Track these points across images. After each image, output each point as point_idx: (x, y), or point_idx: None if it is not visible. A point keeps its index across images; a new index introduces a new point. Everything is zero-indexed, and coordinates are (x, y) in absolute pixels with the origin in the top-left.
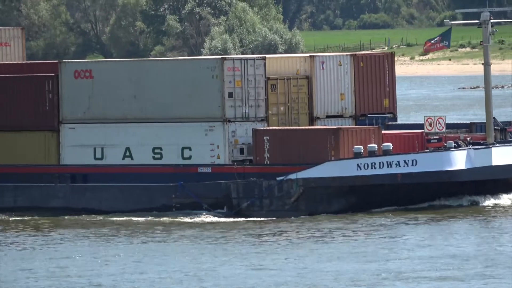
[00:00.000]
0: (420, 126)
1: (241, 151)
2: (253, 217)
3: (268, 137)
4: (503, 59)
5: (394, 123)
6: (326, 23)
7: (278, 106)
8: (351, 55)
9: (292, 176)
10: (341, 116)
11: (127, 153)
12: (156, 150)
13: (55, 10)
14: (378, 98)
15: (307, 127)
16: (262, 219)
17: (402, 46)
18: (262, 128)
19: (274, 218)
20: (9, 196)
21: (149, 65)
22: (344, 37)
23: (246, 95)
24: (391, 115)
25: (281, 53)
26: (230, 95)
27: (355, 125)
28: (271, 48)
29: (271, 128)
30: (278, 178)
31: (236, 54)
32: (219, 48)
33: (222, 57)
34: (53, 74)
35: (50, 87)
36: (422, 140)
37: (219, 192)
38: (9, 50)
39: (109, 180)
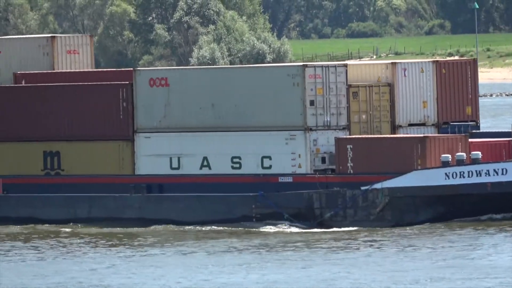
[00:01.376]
0: (506, 134)
1: (323, 160)
2: (336, 227)
3: (351, 146)
4: (491, 68)
5: (478, 131)
6: (315, 32)
7: (360, 114)
8: (433, 61)
9: (378, 186)
10: (423, 124)
11: (205, 163)
12: (234, 160)
13: (43, 20)
14: (460, 106)
15: (392, 136)
16: (346, 229)
17: (390, 55)
18: (345, 136)
19: (356, 228)
20: (83, 207)
21: (227, 72)
22: (332, 45)
23: (328, 103)
24: (474, 123)
25: (269, 62)
26: (312, 103)
27: (438, 133)
28: (259, 57)
29: (354, 136)
30: (363, 188)
31: (224, 64)
32: (207, 57)
33: (304, 65)
34: (128, 83)
35: (124, 96)
36: (509, 148)
37: (301, 202)
38: (78, 58)
39: (186, 190)
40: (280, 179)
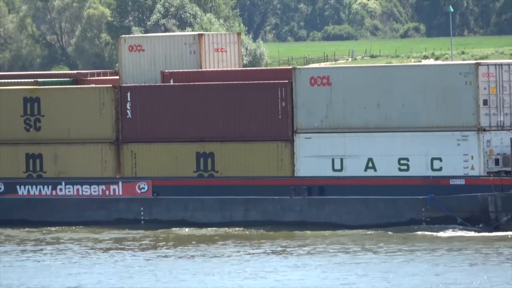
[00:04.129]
0: None
1: (496, 161)
2: None
3: None
4: None
5: None
6: (290, 35)
7: None
8: None
9: None
10: None
11: (370, 164)
12: (402, 161)
13: (22, 22)
14: None
15: None
16: None
17: (366, 58)
18: None
19: None
20: (239, 210)
21: (394, 71)
22: (308, 48)
23: (501, 102)
24: None
25: (246, 65)
26: (485, 102)
27: None
28: None
29: None
30: None
31: None
32: None
33: (477, 63)
34: (287, 81)
35: (283, 95)
36: None
37: (474, 205)
38: (225, 56)
39: (349, 193)
40: (452, 182)
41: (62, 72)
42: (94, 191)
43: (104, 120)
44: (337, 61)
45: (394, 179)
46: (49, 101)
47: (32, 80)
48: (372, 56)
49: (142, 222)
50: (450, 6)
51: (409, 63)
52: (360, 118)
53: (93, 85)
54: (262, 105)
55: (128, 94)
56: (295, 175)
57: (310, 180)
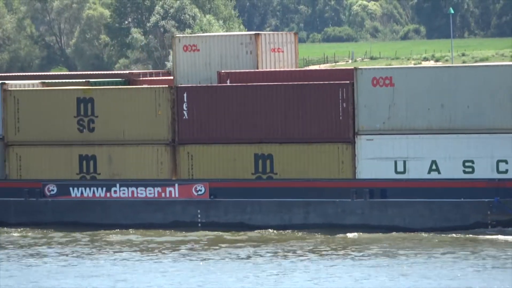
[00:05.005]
0: None
1: None
2: None
3: None
4: None
5: None
6: None
7: None
8: None
9: None
10: None
11: (433, 167)
12: (467, 164)
13: (20, 23)
14: None
15: None
16: None
17: (366, 59)
18: None
19: None
20: (299, 213)
21: (457, 71)
22: (308, 50)
23: None
24: None
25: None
26: None
27: None
28: None
29: None
30: None
31: None
32: None
33: None
34: (348, 82)
35: (344, 96)
36: None
37: None
38: (282, 56)
39: (412, 195)
40: None
41: (113, 72)
42: (150, 193)
43: (160, 121)
44: (337, 63)
45: (458, 181)
46: (103, 101)
47: (84, 80)
48: (372, 58)
49: (199, 225)
50: (451, 8)
51: (472, 64)
52: (423, 119)
53: (149, 85)
54: (322, 106)
55: (185, 94)
56: (357, 177)
57: (372, 183)
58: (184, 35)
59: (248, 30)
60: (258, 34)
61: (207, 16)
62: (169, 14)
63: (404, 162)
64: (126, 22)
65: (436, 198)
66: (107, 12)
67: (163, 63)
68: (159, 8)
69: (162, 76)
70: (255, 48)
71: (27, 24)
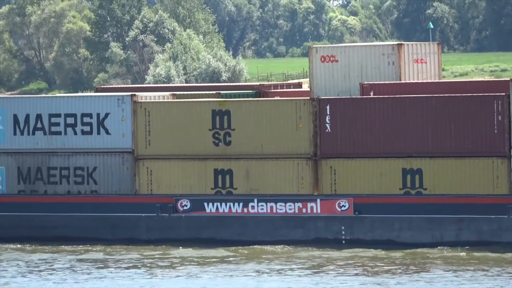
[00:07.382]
0: None
1: None
2: None
3: None
4: None
5: None
6: (270, 51)
7: None
8: None
9: None
10: None
11: None
12: None
13: None
14: None
15: None
16: None
17: None
18: None
19: None
20: (451, 230)
21: None
22: (287, 64)
23: None
24: None
25: (224, 81)
26: None
27: None
28: (215, 75)
29: None
30: None
31: (180, 82)
32: (163, 76)
33: None
34: (503, 94)
35: (499, 108)
36: None
37: None
38: (425, 67)
39: None
40: None
41: (244, 84)
42: (290, 209)
43: (301, 134)
44: None
45: None
46: (239, 114)
47: (214, 92)
48: None
49: (343, 241)
50: (430, 23)
51: None
52: None
53: (288, 97)
54: (475, 119)
55: (328, 106)
56: None
57: None
58: (322, 45)
59: (228, 45)
60: (401, 44)
61: (187, 30)
62: (148, 29)
63: None
64: (106, 36)
65: None
66: (86, 26)
67: (143, 78)
68: (138, 22)
69: (293, 88)
70: (397, 59)
71: (6, 38)
